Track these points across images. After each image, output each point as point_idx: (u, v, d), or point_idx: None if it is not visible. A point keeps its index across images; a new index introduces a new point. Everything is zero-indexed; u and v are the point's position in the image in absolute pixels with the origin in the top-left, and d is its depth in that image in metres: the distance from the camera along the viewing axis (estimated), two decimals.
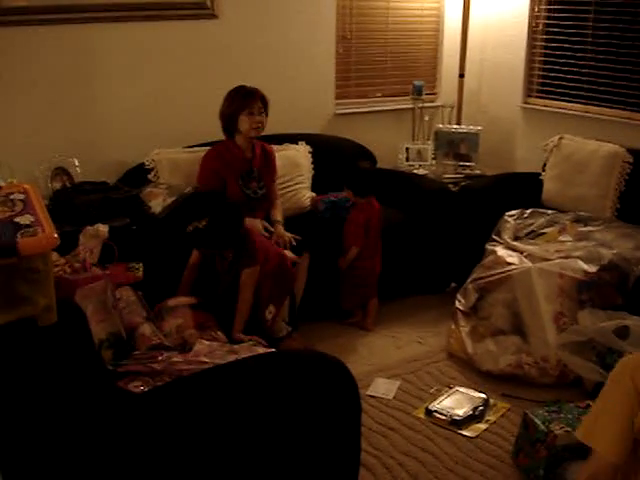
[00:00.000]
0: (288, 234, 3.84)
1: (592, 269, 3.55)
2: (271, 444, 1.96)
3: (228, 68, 4.42)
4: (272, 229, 3.82)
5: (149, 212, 3.57)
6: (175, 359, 2.45)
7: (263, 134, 4.28)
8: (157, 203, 3.57)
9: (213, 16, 4.35)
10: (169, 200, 3.58)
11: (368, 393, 3.40)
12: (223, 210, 3.31)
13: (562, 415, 2.80)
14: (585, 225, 4.03)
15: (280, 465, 1.98)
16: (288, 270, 3.58)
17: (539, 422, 2.77)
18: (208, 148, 3.88)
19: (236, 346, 2.68)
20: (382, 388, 3.47)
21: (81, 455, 1.79)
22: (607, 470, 1.95)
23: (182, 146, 4.07)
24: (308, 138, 4.56)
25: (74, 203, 3.54)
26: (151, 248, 3.36)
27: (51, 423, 1.79)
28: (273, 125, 4.40)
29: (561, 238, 3.91)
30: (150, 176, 3.89)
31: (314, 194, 4.41)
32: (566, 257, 3.64)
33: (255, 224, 3.72)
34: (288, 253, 3.67)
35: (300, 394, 2.02)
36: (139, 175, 3.93)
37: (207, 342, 2.66)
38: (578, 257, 3.62)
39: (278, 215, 3.98)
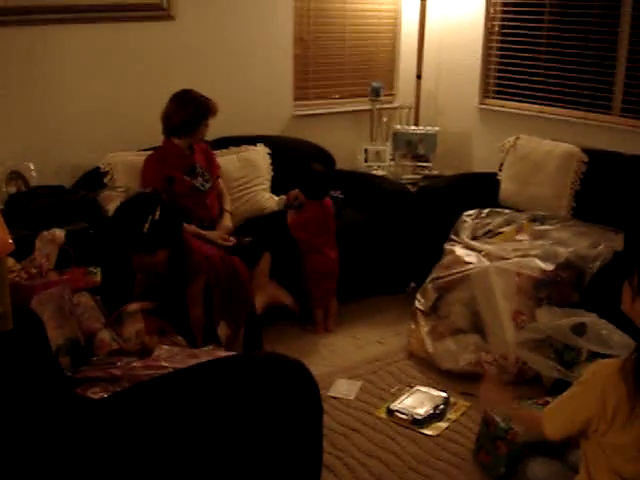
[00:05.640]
0: (230, 223, 3.97)
1: (549, 267, 3.60)
2: (232, 447, 1.95)
3: (185, 70, 4.39)
4: (231, 239, 3.83)
5: (106, 216, 3.53)
6: (135, 364, 2.42)
7: (221, 135, 4.31)
8: (114, 206, 3.52)
9: (170, 17, 4.32)
10: None
11: (329, 394, 3.41)
12: (160, 197, 3.17)
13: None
14: (542, 224, 4.09)
15: (242, 467, 1.97)
16: (239, 279, 3.46)
17: (499, 420, 2.80)
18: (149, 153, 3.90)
19: (196, 350, 2.66)
20: (343, 389, 3.47)
21: (39, 463, 1.76)
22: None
23: (138, 149, 4.03)
24: (267, 140, 4.56)
25: (30, 208, 3.49)
26: (109, 252, 3.31)
27: (8, 431, 1.76)
28: (231, 127, 4.41)
29: (518, 237, 3.96)
30: (106, 180, 3.86)
31: (274, 195, 4.41)
32: (523, 256, 3.69)
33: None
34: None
35: (261, 396, 2.02)
36: (96, 179, 3.89)
37: (167, 347, 2.64)
38: (535, 256, 3.67)
39: (227, 205, 4.07)
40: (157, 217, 2.96)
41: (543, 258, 3.64)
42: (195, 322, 3.18)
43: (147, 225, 2.96)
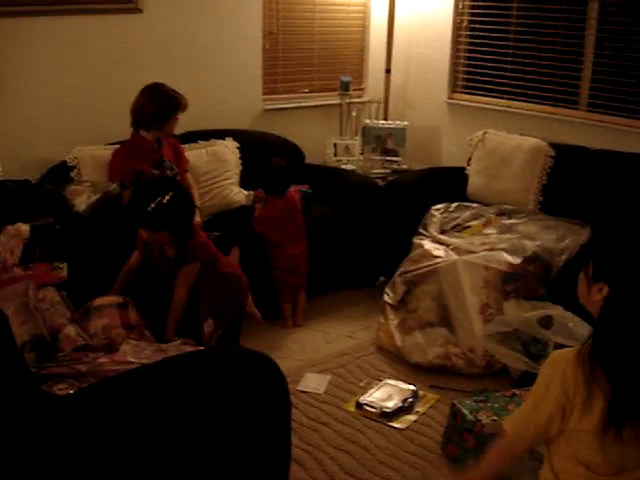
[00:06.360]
0: (198, 218, 3.89)
1: (516, 261, 3.63)
2: (201, 442, 1.94)
3: (153, 64, 4.36)
4: None
5: (73, 210, 3.50)
6: (101, 360, 2.39)
7: (190, 129, 4.28)
8: (81, 201, 3.50)
9: (137, 10, 4.28)
10: (93, 198, 3.51)
11: (299, 388, 3.41)
12: (180, 186, 3.29)
13: (489, 404, 2.86)
14: (509, 218, 4.12)
15: (210, 463, 1.97)
16: (241, 291, 3.51)
17: (467, 412, 2.82)
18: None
19: (164, 345, 2.64)
20: (313, 383, 3.48)
21: (3, 461, 1.74)
22: (514, 448, 2.06)
23: (105, 143, 4.00)
24: (236, 134, 4.54)
25: None
26: (76, 247, 3.29)
27: None
28: (200, 121, 4.39)
29: (486, 231, 3.99)
30: (72, 174, 3.82)
31: (243, 190, 4.40)
32: (491, 249, 3.71)
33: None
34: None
35: (228, 391, 2.01)
36: (62, 173, 3.84)
37: (134, 342, 2.61)
38: (502, 249, 3.70)
39: (195, 200, 3.98)
40: (165, 201, 3.06)
41: (510, 252, 3.67)
42: (176, 305, 3.17)
43: (153, 205, 3.04)
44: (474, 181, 4.57)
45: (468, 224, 4.10)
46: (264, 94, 5.06)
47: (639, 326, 1.89)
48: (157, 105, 3.73)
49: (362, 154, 5.22)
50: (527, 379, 3.17)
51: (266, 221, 4.05)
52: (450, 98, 5.35)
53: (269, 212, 4.06)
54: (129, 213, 3.24)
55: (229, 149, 4.43)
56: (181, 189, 3.24)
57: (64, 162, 3.88)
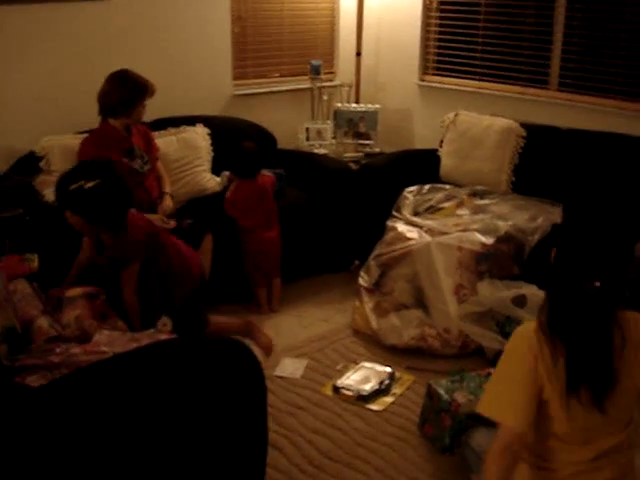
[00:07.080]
0: (171, 204, 3.91)
1: (489, 241, 3.65)
2: (176, 430, 1.94)
3: (120, 51, 4.31)
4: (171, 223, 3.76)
5: (43, 201, 3.46)
6: (74, 350, 2.38)
7: (160, 116, 4.24)
8: (51, 192, 3.45)
9: None
10: None
11: (275, 374, 3.40)
12: (117, 178, 3.17)
13: (464, 384, 2.87)
14: (482, 198, 4.14)
15: (186, 450, 1.96)
16: (179, 265, 3.41)
17: (442, 392, 2.83)
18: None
19: (137, 334, 2.63)
20: (289, 368, 3.48)
21: None
22: (516, 440, 1.93)
23: (74, 132, 3.95)
24: (206, 120, 4.50)
25: None
26: (46, 238, 3.25)
27: None
28: (170, 108, 4.35)
29: (459, 212, 4.01)
30: (41, 164, 3.77)
31: (215, 176, 4.37)
32: (464, 230, 3.73)
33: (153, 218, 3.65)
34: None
35: (203, 378, 2.01)
36: (31, 163, 3.80)
37: (107, 332, 2.60)
38: (476, 230, 3.71)
39: (167, 187, 4.02)
40: (87, 187, 2.98)
41: (483, 232, 3.69)
42: (130, 309, 3.14)
43: (74, 186, 2.98)
44: (446, 163, 4.57)
45: (441, 205, 4.12)
46: (234, 79, 5.02)
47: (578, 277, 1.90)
48: (124, 92, 3.68)
49: (334, 138, 5.21)
50: None
51: (235, 205, 4.02)
52: (421, 80, 5.35)
53: (238, 195, 4.03)
54: (56, 186, 3.16)
55: (200, 135, 4.40)
56: (115, 182, 3.12)
57: (32, 152, 3.83)
